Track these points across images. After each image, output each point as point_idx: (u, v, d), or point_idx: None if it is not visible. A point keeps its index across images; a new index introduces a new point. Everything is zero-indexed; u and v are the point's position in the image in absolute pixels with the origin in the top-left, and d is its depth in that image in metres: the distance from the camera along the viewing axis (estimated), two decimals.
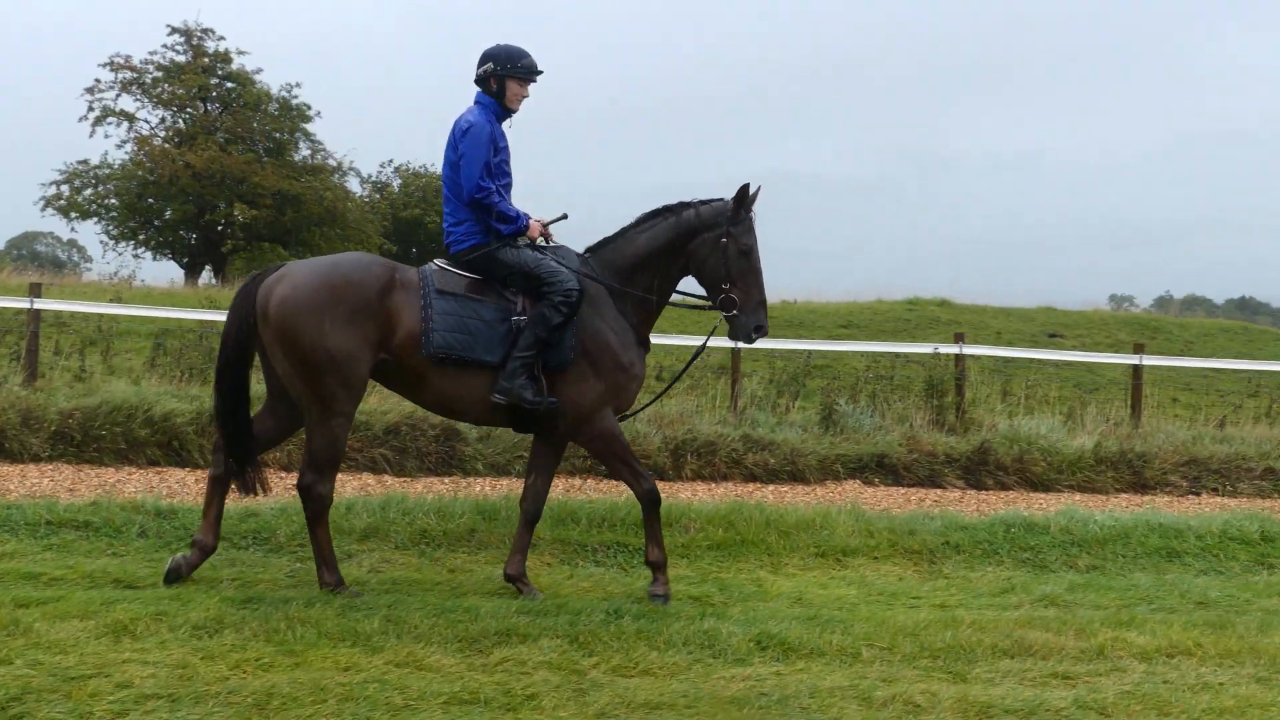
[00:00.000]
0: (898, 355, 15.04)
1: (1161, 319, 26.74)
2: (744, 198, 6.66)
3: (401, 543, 7.51)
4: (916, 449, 11.63)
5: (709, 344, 7.22)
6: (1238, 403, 16.83)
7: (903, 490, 10.99)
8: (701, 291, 6.89)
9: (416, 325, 6.30)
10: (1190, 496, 11.55)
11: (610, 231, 6.84)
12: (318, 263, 6.39)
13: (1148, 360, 13.99)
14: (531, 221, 6.64)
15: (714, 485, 10.69)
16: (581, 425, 6.55)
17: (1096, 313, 25.62)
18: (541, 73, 6.72)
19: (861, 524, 8.13)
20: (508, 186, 6.71)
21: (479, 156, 6.48)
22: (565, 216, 6.84)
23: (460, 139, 6.54)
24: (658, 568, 6.68)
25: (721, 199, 6.75)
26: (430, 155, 45.42)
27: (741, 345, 6.85)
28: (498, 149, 6.61)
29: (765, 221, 6.72)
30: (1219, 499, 11.44)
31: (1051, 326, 23.14)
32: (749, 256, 6.68)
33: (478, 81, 6.69)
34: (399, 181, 43.75)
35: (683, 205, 6.79)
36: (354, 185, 40.84)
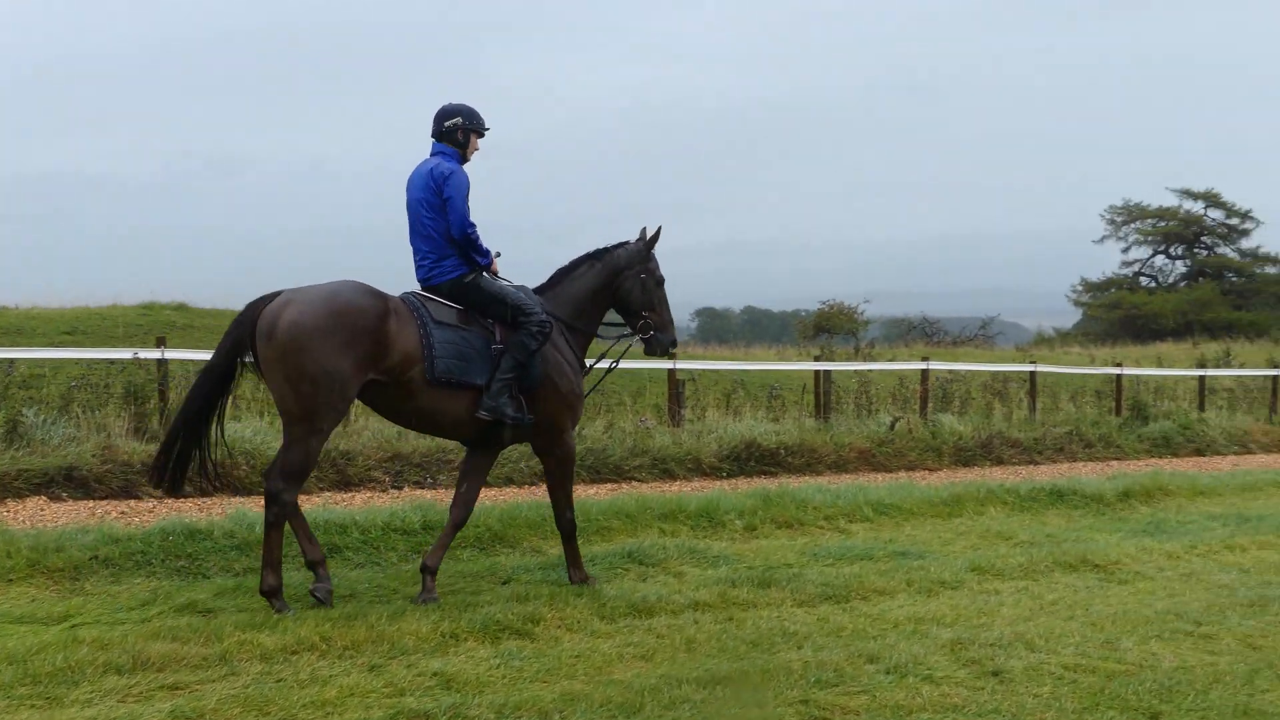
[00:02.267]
0: (111, 361, 14.28)
1: None
2: (654, 240, 8.19)
3: None
4: (112, 459, 11.14)
5: None
6: None
7: (92, 503, 10.47)
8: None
9: (416, 351, 7.15)
10: (393, 491, 12.03)
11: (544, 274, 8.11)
12: (319, 289, 6.99)
13: None
14: (493, 256, 7.68)
15: None
16: (554, 442, 7.78)
17: None
18: (489, 129, 7.82)
19: (4, 543, 7.58)
20: None
21: (465, 199, 7.47)
22: (499, 254, 7.75)
23: (444, 184, 7.44)
24: (582, 580, 7.83)
25: (629, 242, 8.20)
26: None
27: (661, 359, 8.78)
28: None
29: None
30: (420, 491, 12.00)
31: None
32: (661, 286, 8.27)
33: (444, 134, 7.67)
34: None
35: (603, 251, 8.15)
36: None
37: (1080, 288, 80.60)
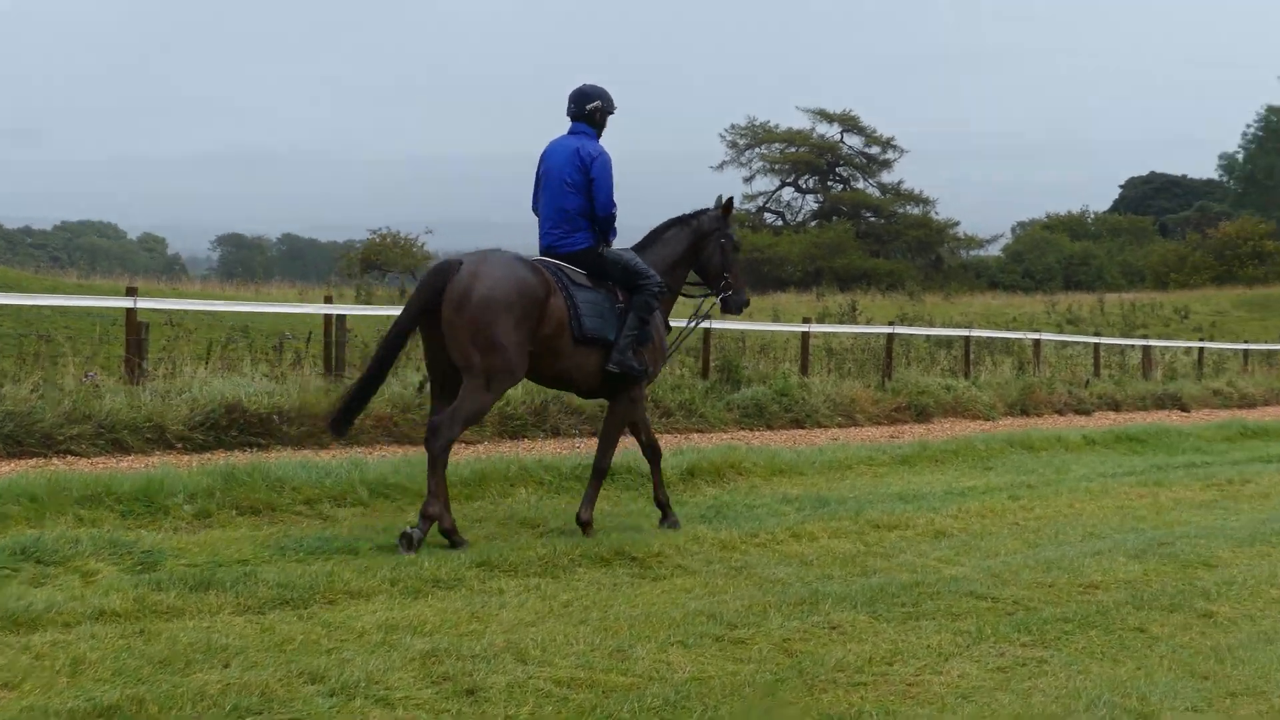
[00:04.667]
0: None
1: None
2: (729, 206, 11.19)
3: None
4: None
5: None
6: None
7: None
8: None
9: (564, 314, 9.68)
10: None
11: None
12: (499, 263, 9.50)
13: None
14: None
15: None
16: (624, 391, 10.32)
17: None
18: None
19: None
20: None
21: (611, 180, 10.11)
22: None
23: (591, 165, 10.03)
24: (585, 525, 10.30)
25: (709, 209, 11.12)
26: None
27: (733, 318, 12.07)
28: None
29: None
30: None
31: None
32: (739, 250, 11.27)
33: (585, 115, 10.30)
34: None
35: (690, 216, 11.03)
36: None
37: None
